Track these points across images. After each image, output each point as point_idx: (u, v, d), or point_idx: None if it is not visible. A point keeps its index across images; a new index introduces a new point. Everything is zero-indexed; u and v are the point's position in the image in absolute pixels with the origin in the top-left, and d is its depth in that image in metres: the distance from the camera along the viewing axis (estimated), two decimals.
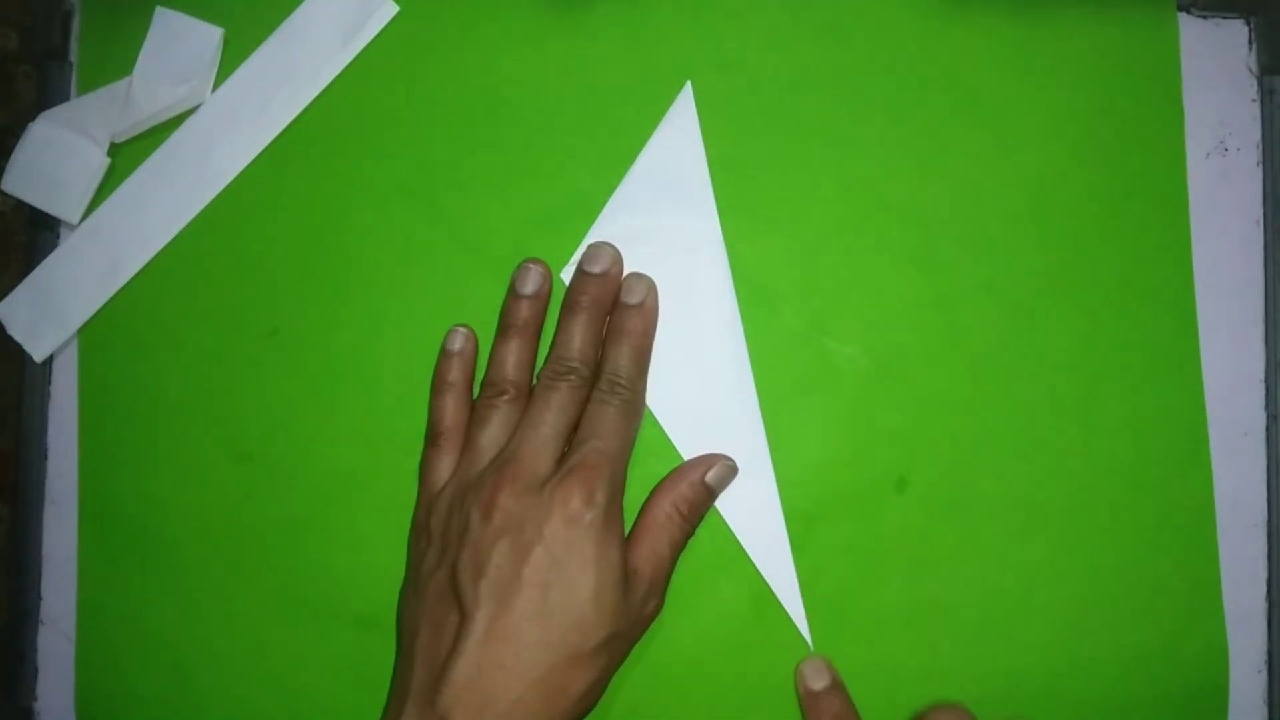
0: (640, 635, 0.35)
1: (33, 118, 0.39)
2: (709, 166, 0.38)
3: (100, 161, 0.39)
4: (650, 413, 0.37)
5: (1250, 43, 0.39)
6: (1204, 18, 0.39)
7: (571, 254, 0.38)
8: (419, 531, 0.36)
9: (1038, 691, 0.37)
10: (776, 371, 0.38)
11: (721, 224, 0.38)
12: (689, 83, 0.38)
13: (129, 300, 0.40)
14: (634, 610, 0.34)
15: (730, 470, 0.36)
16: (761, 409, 0.37)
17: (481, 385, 0.37)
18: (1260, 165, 0.39)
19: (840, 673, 0.37)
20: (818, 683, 0.36)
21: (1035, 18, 0.39)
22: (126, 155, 0.40)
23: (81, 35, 0.41)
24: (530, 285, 0.37)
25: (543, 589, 0.32)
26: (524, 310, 0.37)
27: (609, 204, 0.38)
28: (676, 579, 0.37)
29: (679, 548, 0.36)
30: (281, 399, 0.39)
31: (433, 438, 0.37)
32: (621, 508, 0.35)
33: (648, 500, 0.36)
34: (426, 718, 0.32)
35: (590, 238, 0.38)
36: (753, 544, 0.37)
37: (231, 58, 0.40)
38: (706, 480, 0.36)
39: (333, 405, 0.39)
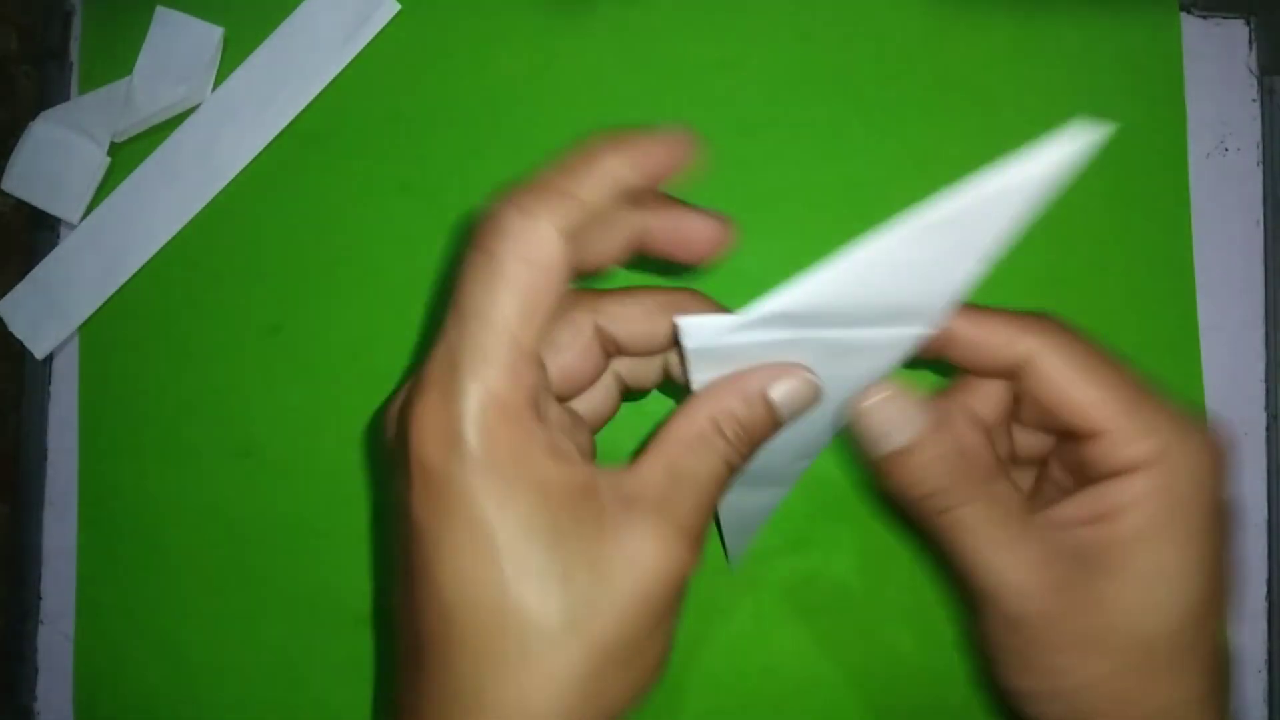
0: (670, 596, 0.22)
1: (33, 117, 0.39)
2: (711, 168, 0.38)
3: (100, 161, 0.39)
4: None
5: (1250, 43, 0.39)
6: (1204, 18, 0.39)
7: None
8: None
9: None
10: None
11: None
12: None
13: (130, 298, 0.40)
14: (626, 556, 0.22)
15: (810, 387, 0.24)
16: None
17: None
18: (1260, 165, 0.39)
19: (840, 670, 0.37)
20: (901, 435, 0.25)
21: (1037, 17, 0.39)
22: (127, 154, 0.40)
23: (82, 35, 0.41)
24: None
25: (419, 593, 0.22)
26: None
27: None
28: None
29: (720, 480, 0.24)
30: (283, 397, 0.39)
31: None
32: (526, 416, 0.22)
33: (675, 412, 0.24)
34: None
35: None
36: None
37: (232, 57, 0.40)
38: (771, 396, 0.24)
39: (334, 403, 0.39)
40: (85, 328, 0.40)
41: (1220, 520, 0.25)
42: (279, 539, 0.38)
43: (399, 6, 0.39)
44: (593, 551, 0.21)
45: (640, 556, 0.22)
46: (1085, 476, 0.26)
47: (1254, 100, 0.39)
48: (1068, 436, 0.27)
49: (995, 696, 0.35)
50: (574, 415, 0.26)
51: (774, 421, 0.24)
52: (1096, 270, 0.38)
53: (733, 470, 0.24)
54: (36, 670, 0.40)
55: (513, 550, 0.21)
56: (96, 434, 0.40)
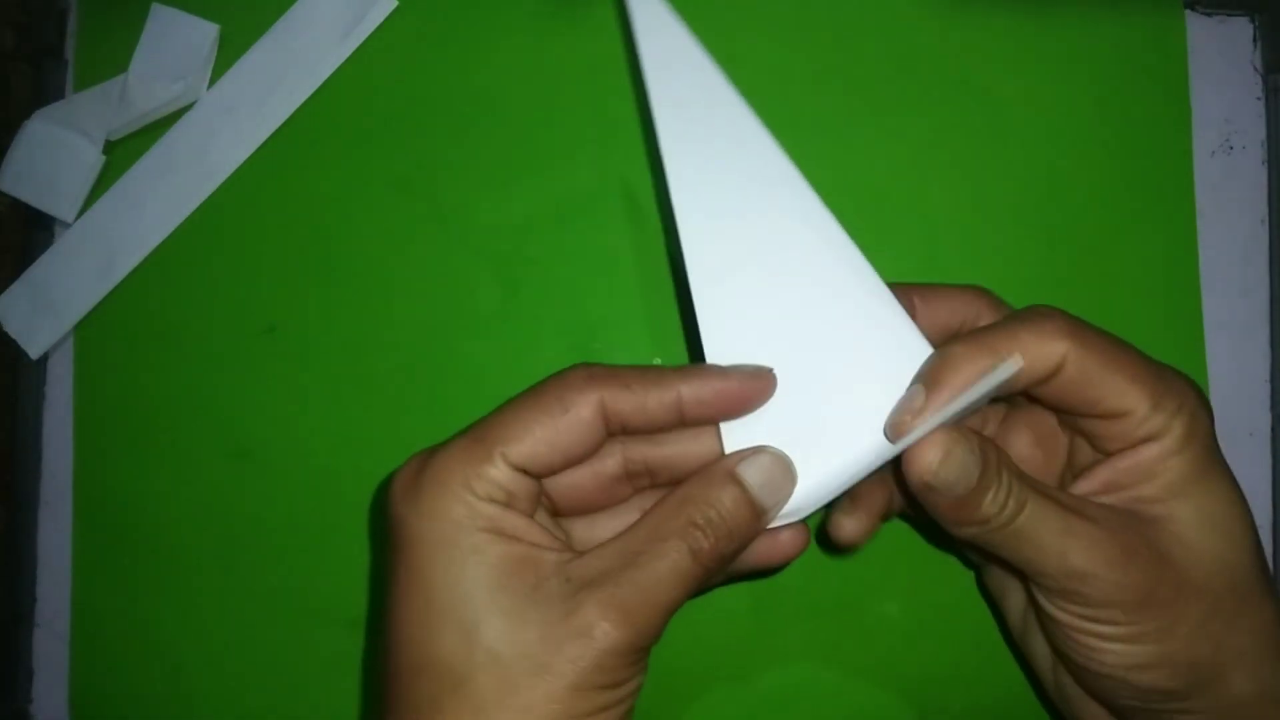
0: (577, 669, 0.24)
1: (28, 116, 0.39)
2: None
3: (95, 159, 0.39)
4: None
5: (1255, 40, 0.39)
6: (1208, 15, 0.39)
7: (571, 251, 0.38)
8: None
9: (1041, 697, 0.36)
10: None
11: None
12: None
13: (125, 297, 0.39)
14: (569, 627, 0.24)
15: (779, 463, 0.27)
16: None
17: None
18: (1265, 164, 0.38)
19: (841, 676, 0.36)
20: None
21: (1040, 15, 0.38)
22: (122, 153, 0.40)
23: (77, 32, 0.41)
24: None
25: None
26: None
27: (674, 193, 0.28)
28: None
29: (681, 571, 0.25)
30: (278, 397, 0.39)
31: None
32: (471, 496, 0.25)
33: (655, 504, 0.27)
34: None
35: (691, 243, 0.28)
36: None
37: (228, 54, 0.40)
38: (737, 472, 0.26)
39: (330, 403, 0.38)
40: (80, 327, 0.40)
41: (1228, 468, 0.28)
42: (275, 540, 0.38)
43: (396, 3, 0.39)
44: (539, 618, 0.24)
45: (583, 630, 0.24)
46: (1103, 449, 0.28)
47: (1259, 98, 0.39)
48: (1089, 417, 0.28)
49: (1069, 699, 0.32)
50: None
51: (749, 503, 0.26)
52: (1101, 269, 0.38)
53: (703, 564, 0.25)
54: (32, 672, 0.39)
55: (442, 611, 0.24)
56: (92, 434, 0.39)
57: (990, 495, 0.26)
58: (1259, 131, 0.38)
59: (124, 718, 0.39)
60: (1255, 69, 0.39)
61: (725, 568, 0.27)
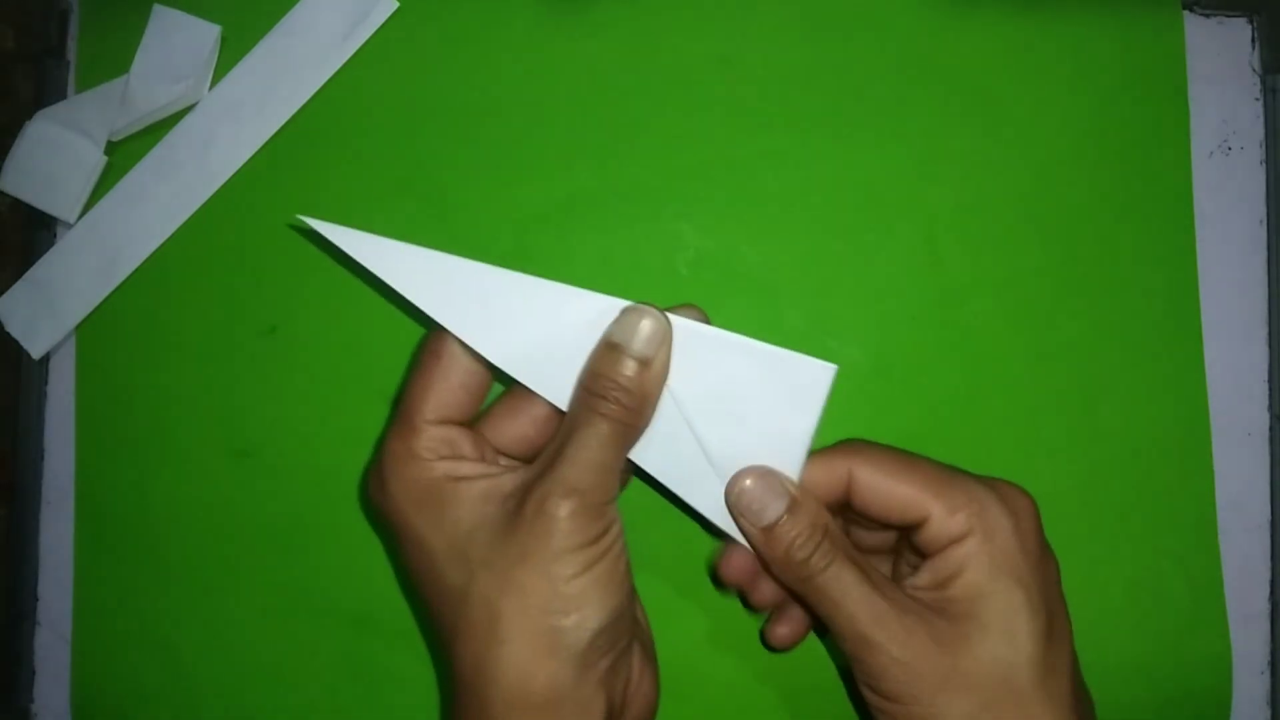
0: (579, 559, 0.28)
1: (30, 116, 0.39)
2: (712, 168, 0.38)
3: (97, 159, 0.39)
4: None
5: (1253, 41, 0.39)
6: (1207, 16, 0.39)
7: (571, 251, 0.38)
8: None
9: None
10: None
11: (723, 223, 0.38)
12: None
13: (127, 298, 0.40)
14: (527, 520, 0.28)
15: (647, 315, 0.29)
16: None
17: None
18: (1264, 164, 0.39)
19: (839, 669, 0.36)
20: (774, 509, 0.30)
21: (1039, 16, 0.38)
22: (124, 153, 0.40)
23: (79, 33, 0.41)
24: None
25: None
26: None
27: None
28: (670, 584, 0.37)
29: (603, 435, 0.28)
30: (280, 397, 0.39)
31: None
32: (428, 459, 0.30)
33: None
34: None
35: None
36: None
37: (229, 55, 0.40)
38: (610, 339, 0.29)
39: (331, 403, 0.38)
40: (82, 327, 0.40)
41: (1043, 562, 0.30)
42: (276, 540, 0.38)
43: (397, 4, 0.39)
44: (511, 524, 0.28)
45: (540, 510, 0.27)
46: (926, 556, 0.30)
47: (1257, 99, 0.39)
48: (899, 529, 0.31)
49: None
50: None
51: (629, 357, 0.29)
52: (1100, 269, 0.38)
53: (617, 420, 0.28)
54: (34, 672, 0.40)
55: (441, 554, 0.29)
56: (93, 434, 0.40)
57: (799, 541, 0.29)
58: (1257, 132, 0.39)
59: (126, 717, 0.39)
60: (1253, 70, 0.39)
61: (645, 413, 0.29)
